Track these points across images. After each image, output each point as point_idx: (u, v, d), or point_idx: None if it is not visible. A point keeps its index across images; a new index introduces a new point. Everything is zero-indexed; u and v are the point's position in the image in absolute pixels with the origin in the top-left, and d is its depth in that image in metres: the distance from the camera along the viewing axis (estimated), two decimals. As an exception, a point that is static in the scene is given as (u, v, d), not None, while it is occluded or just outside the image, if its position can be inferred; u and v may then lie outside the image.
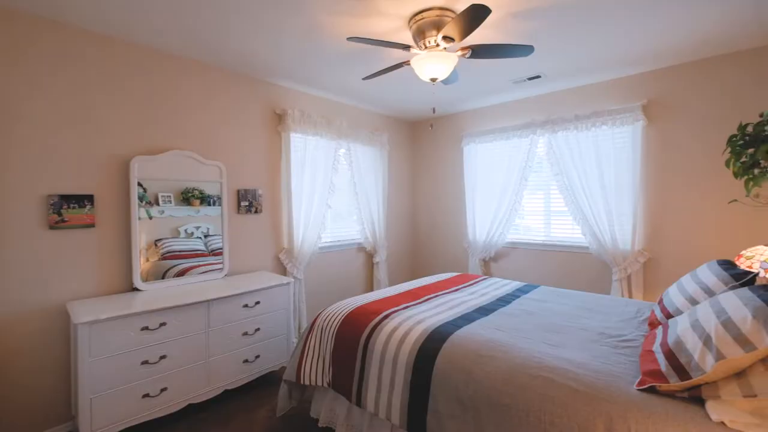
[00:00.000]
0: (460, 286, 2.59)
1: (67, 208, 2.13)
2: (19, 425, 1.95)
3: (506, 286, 2.64)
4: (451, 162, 4.32)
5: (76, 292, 2.15)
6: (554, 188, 3.50)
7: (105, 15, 2.01)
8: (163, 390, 2.05)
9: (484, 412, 1.30)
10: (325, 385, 1.90)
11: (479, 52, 2.08)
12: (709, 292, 1.53)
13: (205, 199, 2.70)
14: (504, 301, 2.23)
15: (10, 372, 1.93)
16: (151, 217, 2.43)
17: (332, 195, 3.52)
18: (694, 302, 1.57)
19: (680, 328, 1.24)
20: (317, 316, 2.11)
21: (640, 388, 1.14)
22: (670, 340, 1.22)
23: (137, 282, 2.33)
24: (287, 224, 3.22)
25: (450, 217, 4.36)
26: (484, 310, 2.02)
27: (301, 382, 1.95)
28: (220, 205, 2.78)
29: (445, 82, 2.54)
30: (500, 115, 3.87)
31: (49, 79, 2.07)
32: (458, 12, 1.94)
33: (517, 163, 3.67)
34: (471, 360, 1.44)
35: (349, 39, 1.82)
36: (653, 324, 1.66)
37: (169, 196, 2.52)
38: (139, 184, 2.38)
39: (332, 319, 2.01)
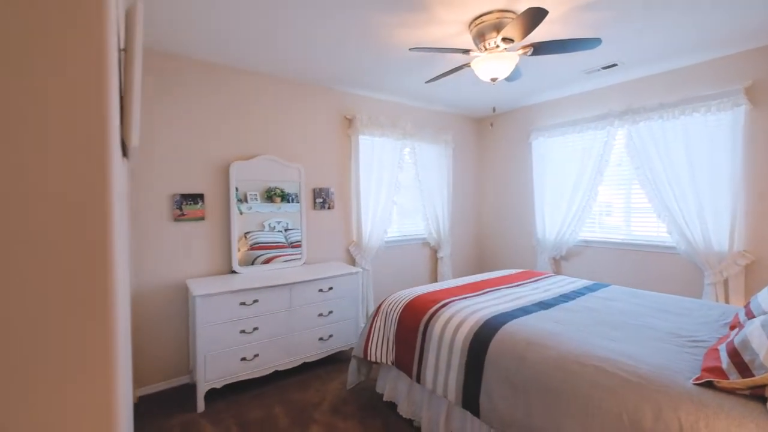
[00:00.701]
0: (522, 282, 2.60)
1: (186, 204, 2.65)
2: (152, 374, 2.51)
3: (573, 283, 2.58)
4: (519, 157, 4.23)
5: (192, 272, 2.67)
6: (635, 183, 3.26)
7: (218, 49, 2.46)
8: (255, 356, 2.45)
9: (533, 395, 1.38)
10: (389, 363, 2.11)
11: (542, 49, 2.09)
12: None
13: (285, 197, 3.10)
14: (567, 297, 2.21)
15: (146, 332, 2.49)
16: (241, 213, 2.87)
17: (398, 192, 3.72)
18: (786, 306, 1.43)
19: (750, 328, 1.17)
20: (382, 302, 2.33)
21: (697, 382, 1.12)
22: (737, 339, 1.17)
23: (235, 266, 2.80)
24: (356, 219, 3.51)
25: (517, 214, 4.28)
26: (544, 305, 2.04)
27: (368, 358, 2.18)
28: (298, 202, 3.15)
29: (508, 79, 2.57)
30: (572, 107, 3.70)
31: (183, 106, 2.60)
32: (519, 12, 1.98)
33: (591, 156, 3.48)
34: (523, 347, 1.52)
35: (411, 49, 1.99)
36: (734, 327, 1.54)
37: (256, 195, 2.96)
38: (236, 185, 2.85)
39: (395, 305, 2.21)
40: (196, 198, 2.69)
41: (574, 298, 2.18)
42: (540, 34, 2.26)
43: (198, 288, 2.33)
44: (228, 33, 2.25)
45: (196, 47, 2.46)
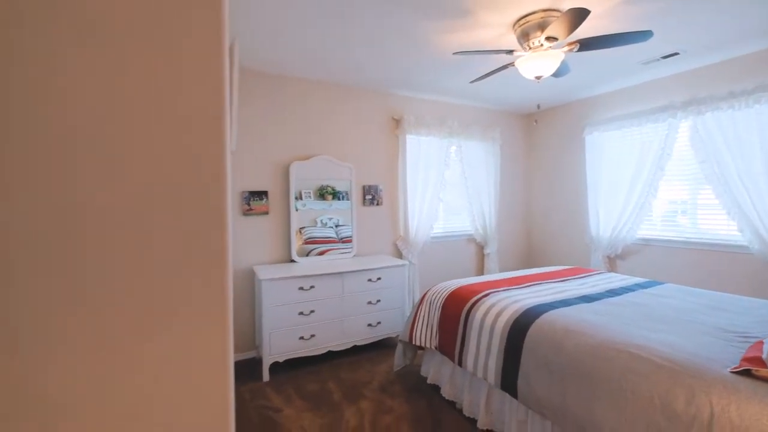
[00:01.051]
0: (568, 277, 2.60)
1: (253, 200, 3.01)
2: (227, 347, 2.89)
3: (623, 280, 2.52)
4: (571, 152, 4.12)
5: (258, 260, 3.02)
6: (701, 177, 3.06)
7: (282, 62, 2.76)
8: (312, 336, 2.73)
9: (569, 379, 1.45)
10: (433, 348, 2.26)
11: (589, 45, 2.10)
12: None
13: (336, 195, 3.35)
14: (614, 293, 2.19)
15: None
16: (297, 209, 3.17)
17: (444, 189, 3.83)
18: None
19: (798, 320, 1.15)
20: (427, 291, 2.48)
21: (734, 370, 1.13)
22: (782, 331, 1.15)
23: (294, 256, 3.11)
24: (403, 215, 3.68)
25: (569, 210, 4.18)
26: (587, 298, 2.05)
27: (413, 342, 2.35)
28: (348, 199, 3.39)
29: (556, 75, 2.57)
30: (629, 100, 3.54)
31: (252, 113, 2.96)
32: (564, 10, 2.01)
33: (651, 150, 3.32)
34: (560, 334, 1.58)
35: (455, 54, 2.11)
36: (796, 326, 1.47)
37: (309, 193, 3.24)
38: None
39: (439, 294, 2.34)
40: (261, 195, 3.04)
41: (621, 294, 2.16)
42: (586, 29, 2.25)
43: (263, 273, 2.65)
44: (293, 49, 2.53)
45: (262, 62, 2.79)
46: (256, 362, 2.82)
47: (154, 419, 0.62)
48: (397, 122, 3.66)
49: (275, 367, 2.68)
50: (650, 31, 1.95)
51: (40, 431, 0.56)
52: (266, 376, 2.58)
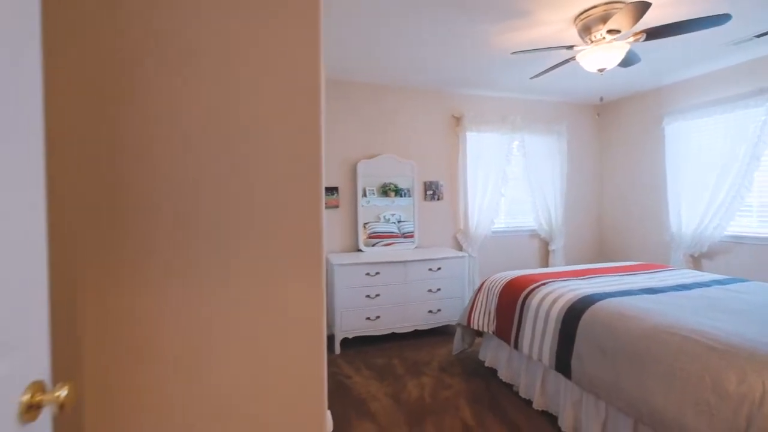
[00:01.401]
0: (638, 272, 2.54)
1: (326, 195, 3.38)
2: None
3: (700, 276, 2.39)
4: (647, 144, 3.88)
5: (330, 248, 3.39)
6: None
7: (348, 69, 3.09)
8: (377, 317, 3.02)
9: (621, 360, 1.51)
10: (490, 332, 2.39)
11: (657, 33, 2.06)
12: None
13: (398, 192, 3.59)
14: (684, 287, 2.11)
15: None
16: (362, 206, 3.47)
17: (505, 184, 3.86)
18: None
19: None
20: (486, 279, 2.62)
21: (794, 355, 1.12)
22: None
23: (361, 245, 3.43)
24: (463, 210, 3.81)
25: (646, 205, 3.93)
26: (651, 290, 2.02)
27: (470, 326, 2.51)
28: (410, 196, 3.61)
29: (624, 65, 2.52)
30: (715, 85, 3.25)
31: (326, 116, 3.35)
32: (626, 2, 2.01)
33: (742, 138, 3.03)
34: (615, 318, 1.63)
35: (513, 53, 2.21)
36: None
37: (373, 190, 3.52)
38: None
39: (497, 282, 2.47)
40: (332, 190, 3.40)
41: (692, 288, 2.08)
42: (656, 16, 2.19)
43: (336, 259, 3.00)
44: (358, 56, 2.84)
45: (332, 69, 3.14)
46: (329, 338, 3.19)
47: (277, 341, 0.93)
48: (458, 120, 3.79)
49: (345, 342, 3.02)
50: (728, 14, 1.87)
51: (213, 334, 0.89)
52: (338, 349, 2.93)
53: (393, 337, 3.19)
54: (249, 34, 0.89)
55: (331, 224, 3.41)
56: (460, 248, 3.84)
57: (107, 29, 0.80)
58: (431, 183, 3.75)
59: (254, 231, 0.90)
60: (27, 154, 0.60)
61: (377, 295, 3.02)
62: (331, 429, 1.65)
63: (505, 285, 2.38)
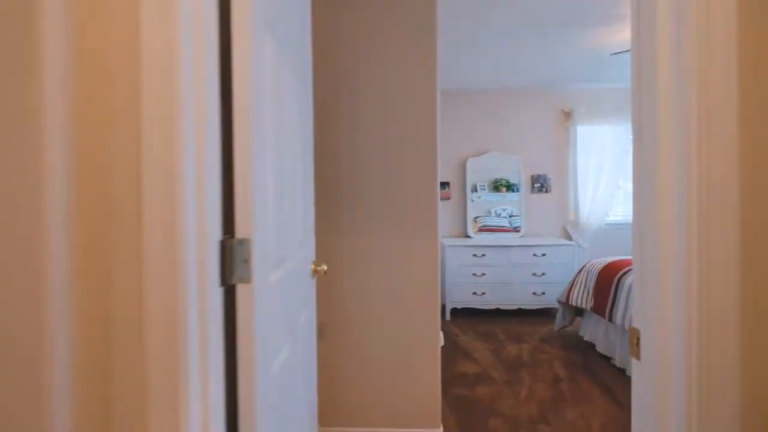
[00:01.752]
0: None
1: (441, 188, 3.98)
2: (421, 295, 4.00)
3: None
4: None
5: (443, 234, 3.98)
6: None
7: (459, 80, 3.62)
8: (483, 293, 3.48)
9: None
10: (588, 308, 2.63)
11: None
12: None
13: (510, 187, 3.92)
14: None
15: (418, 268, 3.98)
16: (472, 201, 3.92)
17: (623, 176, 3.81)
18: None
19: None
20: (586, 263, 2.83)
21: None
22: None
23: (469, 232, 3.91)
24: (573, 201, 3.92)
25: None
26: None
27: (568, 302, 2.77)
28: (519, 190, 3.91)
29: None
30: None
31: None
32: None
33: None
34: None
35: (612, 54, 2.42)
36: None
37: (484, 185, 3.93)
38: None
39: (596, 265, 2.68)
40: (444, 185, 3.98)
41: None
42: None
43: (447, 242, 3.58)
44: (477, 70, 3.35)
45: (443, 81, 3.72)
46: (441, 308, 3.78)
47: (411, 284, 1.57)
48: (567, 114, 3.92)
49: (454, 311, 3.56)
50: None
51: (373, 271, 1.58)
52: (448, 316, 3.50)
53: (498, 313, 3.60)
54: (399, 70, 1.56)
55: (443, 213, 3.99)
56: (569, 238, 3.96)
57: (330, 70, 1.57)
58: (539, 176, 3.98)
59: (402, 212, 1.57)
60: (306, 165, 1.37)
61: (483, 274, 3.48)
62: (443, 344, 2.28)
63: (603, 267, 2.59)
